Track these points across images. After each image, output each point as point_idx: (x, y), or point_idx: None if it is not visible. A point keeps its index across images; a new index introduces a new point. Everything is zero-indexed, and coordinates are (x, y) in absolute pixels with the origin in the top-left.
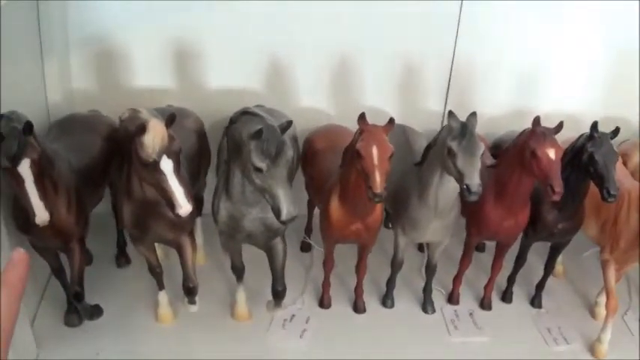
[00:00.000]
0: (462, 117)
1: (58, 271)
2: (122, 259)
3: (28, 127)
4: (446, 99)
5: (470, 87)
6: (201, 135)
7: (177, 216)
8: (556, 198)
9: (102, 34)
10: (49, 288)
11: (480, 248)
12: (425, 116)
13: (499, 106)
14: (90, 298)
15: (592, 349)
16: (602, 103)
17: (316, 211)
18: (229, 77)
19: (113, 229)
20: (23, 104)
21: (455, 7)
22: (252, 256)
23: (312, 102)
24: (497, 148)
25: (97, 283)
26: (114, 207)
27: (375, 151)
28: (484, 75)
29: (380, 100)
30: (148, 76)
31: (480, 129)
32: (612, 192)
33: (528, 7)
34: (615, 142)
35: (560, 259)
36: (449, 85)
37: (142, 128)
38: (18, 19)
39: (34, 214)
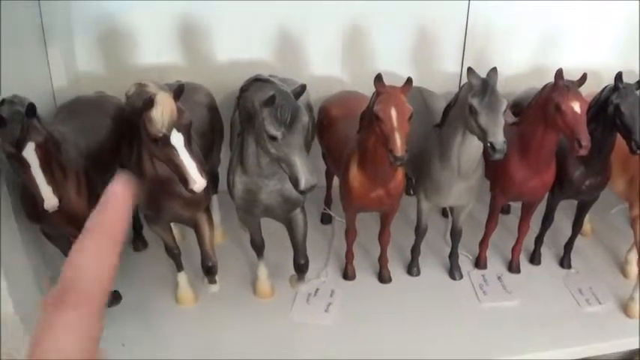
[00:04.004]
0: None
1: None
2: (138, 242)
3: (31, 109)
4: (462, 60)
5: (487, 46)
6: (213, 109)
7: (192, 192)
8: (583, 152)
9: (105, 14)
10: None
11: (505, 210)
12: (442, 78)
13: (517, 64)
14: None
15: (625, 308)
16: (623, 56)
17: (336, 181)
18: (239, 50)
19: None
20: (28, 90)
21: None
22: (273, 231)
23: (326, 70)
24: (517, 107)
25: None
26: None
27: (393, 112)
28: (501, 33)
29: (395, 64)
30: (155, 53)
31: (499, 88)
32: None
33: None
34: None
35: (587, 217)
36: (464, 45)
37: (150, 102)
38: (18, 4)
39: (42, 200)
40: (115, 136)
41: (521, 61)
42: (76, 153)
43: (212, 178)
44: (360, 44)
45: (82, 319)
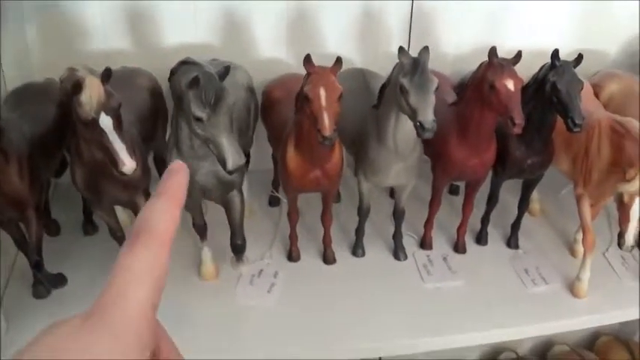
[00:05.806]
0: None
1: (20, 243)
2: (89, 226)
3: None
4: (409, 40)
5: (433, 26)
6: (156, 93)
7: (122, 173)
8: (517, 130)
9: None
10: (18, 261)
11: (454, 191)
12: (388, 60)
13: (465, 44)
14: (58, 268)
15: (572, 288)
16: (574, 35)
17: None
18: (186, 34)
19: (80, 197)
20: None
21: None
22: (219, 214)
23: (272, 53)
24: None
25: (65, 252)
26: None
27: (322, 92)
28: (447, 13)
29: (341, 47)
30: (104, 39)
31: (446, 69)
32: (577, 121)
33: None
34: (587, 73)
35: (535, 196)
36: (410, 25)
37: (78, 86)
38: None
39: None
40: (61, 122)
41: (468, 41)
42: (20, 139)
43: (160, 162)
44: (305, 26)
45: (152, 256)
